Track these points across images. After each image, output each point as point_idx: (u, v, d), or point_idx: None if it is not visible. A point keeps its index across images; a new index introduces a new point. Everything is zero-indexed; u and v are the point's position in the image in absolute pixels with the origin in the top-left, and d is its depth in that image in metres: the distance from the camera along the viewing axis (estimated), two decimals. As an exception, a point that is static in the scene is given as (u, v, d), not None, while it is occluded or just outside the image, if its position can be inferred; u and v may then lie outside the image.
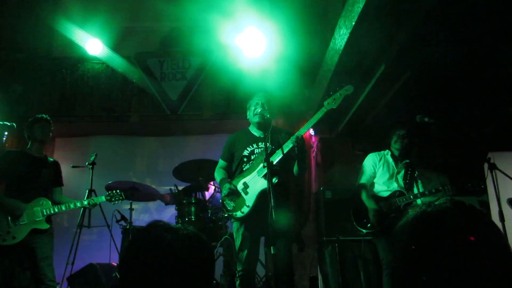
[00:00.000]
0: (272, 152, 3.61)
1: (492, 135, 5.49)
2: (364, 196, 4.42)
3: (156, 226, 1.39)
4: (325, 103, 3.66)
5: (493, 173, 4.04)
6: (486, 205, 5.54)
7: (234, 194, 3.73)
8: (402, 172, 4.45)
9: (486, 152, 5.02)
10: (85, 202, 4.43)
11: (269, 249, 3.42)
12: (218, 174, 4.04)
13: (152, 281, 1.27)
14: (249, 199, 3.66)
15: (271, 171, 3.32)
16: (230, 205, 3.76)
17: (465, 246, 1.07)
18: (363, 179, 4.53)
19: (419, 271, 1.11)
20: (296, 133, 3.61)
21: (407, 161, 4.48)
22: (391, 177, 4.45)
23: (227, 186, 3.75)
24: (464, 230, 1.10)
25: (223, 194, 3.79)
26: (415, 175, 4.45)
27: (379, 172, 4.51)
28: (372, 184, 4.55)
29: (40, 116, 4.48)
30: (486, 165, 4.12)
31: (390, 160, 4.54)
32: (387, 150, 4.61)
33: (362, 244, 4.90)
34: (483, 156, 4.42)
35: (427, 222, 1.16)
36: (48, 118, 4.50)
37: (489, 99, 5.03)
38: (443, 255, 1.08)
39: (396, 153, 4.53)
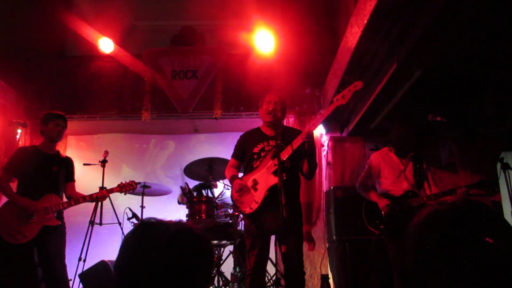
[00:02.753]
0: (282, 149, 3.59)
1: (505, 134, 5.43)
2: (368, 194, 4.34)
3: (147, 224, 1.37)
4: (334, 99, 3.64)
5: (506, 173, 4.00)
6: (499, 205, 5.49)
7: (244, 190, 3.72)
8: (410, 167, 4.34)
9: (499, 152, 4.97)
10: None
11: (279, 247, 3.42)
12: (229, 172, 4.04)
13: (146, 281, 1.25)
14: (258, 195, 3.66)
15: (282, 168, 3.31)
16: (239, 201, 3.75)
17: (482, 248, 1.06)
18: (364, 179, 4.47)
19: (433, 271, 1.10)
20: (306, 129, 3.60)
21: (412, 154, 4.37)
22: (399, 175, 4.34)
23: (237, 182, 3.76)
24: (479, 230, 1.09)
25: (233, 190, 3.78)
26: (424, 168, 4.33)
27: (386, 172, 4.41)
28: (380, 184, 4.46)
29: (56, 113, 4.47)
30: (499, 165, 4.09)
31: (395, 157, 4.43)
32: (390, 147, 4.49)
33: (372, 243, 4.87)
34: (496, 156, 4.38)
35: (440, 221, 1.15)
36: (64, 115, 4.50)
37: (502, 98, 4.97)
38: (459, 256, 1.06)
39: (400, 149, 4.41)
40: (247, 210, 3.68)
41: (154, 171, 7.61)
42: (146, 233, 1.33)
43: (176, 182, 7.05)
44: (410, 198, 4.21)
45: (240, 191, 3.73)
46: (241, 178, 3.81)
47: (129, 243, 1.35)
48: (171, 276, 1.25)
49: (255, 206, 3.65)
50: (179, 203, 5.88)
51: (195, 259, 1.32)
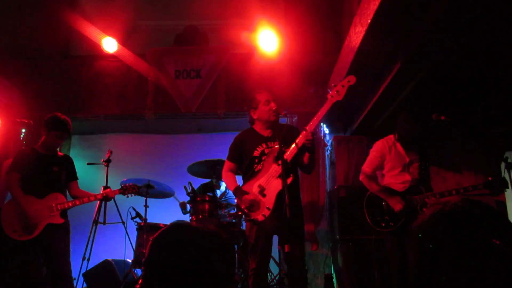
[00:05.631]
0: (283, 151, 3.56)
1: (509, 134, 5.41)
2: (374, 186, 4.23)
3: (177, 225, 1.47)
4: (329, 96, 3.63)
5: (511, 173, 3.97)
6: (503, 205, 5.47)
7: (254, 204, 3.64)
8: (415, 161, 4.23)
9: (503, 151, 4.95)
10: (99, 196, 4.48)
11: (282, 247, 3.42)
12: (229, 180, 3.99)
13: (175, 279, 1.33)
14: (269, 201, 3.61)
15: (286, 170, 3.30)
16: (250, 210, 3.67)
17: (490, 249, 1.06)
18: (369, 170, 4.33)
19: (437, 271, 1.09)
20: (308, 129, 3.59)
21: (418, 148, 4.25)
22: (403, 169, 4.22)
23: (246, 198, 3.66)
24: (484, 231, 1.09)
25: (243, 206, 3.68)
26: (428, 164, 4.22)
27: (390, 164, 4.27)
28: (382, 176, 4.34)
29: (63, 125, 4.36)
30: (503, 165, 4.06)
31: (401, 149, 4.28)
32: (396, 136, 4.33)
33: (372, 241, 4.82)
34: (500, 155, 4.35)
35: (444, 221, 1.15)
36: (70, 129, 4.43)
37: (507, 97, 4.96)
38: (465, 256, 1.06)
39: (407, 140, 4.27)
40: (260, 218, 3.61)
41: (157, 171, 7.60)
42: (177, 233, 1.43)
43: (179, 182, 7.05)
44: (413, 195, 4.10)
45: (251, 207, 3.63)
46: (246, 191, 3.71)
47: (161, 242, 1.45)
48: (197, 275, 1.34)
49: (267, 212, 3.59)
50: (183, 213, 5.74)
51: (220, 260, 1.41)
